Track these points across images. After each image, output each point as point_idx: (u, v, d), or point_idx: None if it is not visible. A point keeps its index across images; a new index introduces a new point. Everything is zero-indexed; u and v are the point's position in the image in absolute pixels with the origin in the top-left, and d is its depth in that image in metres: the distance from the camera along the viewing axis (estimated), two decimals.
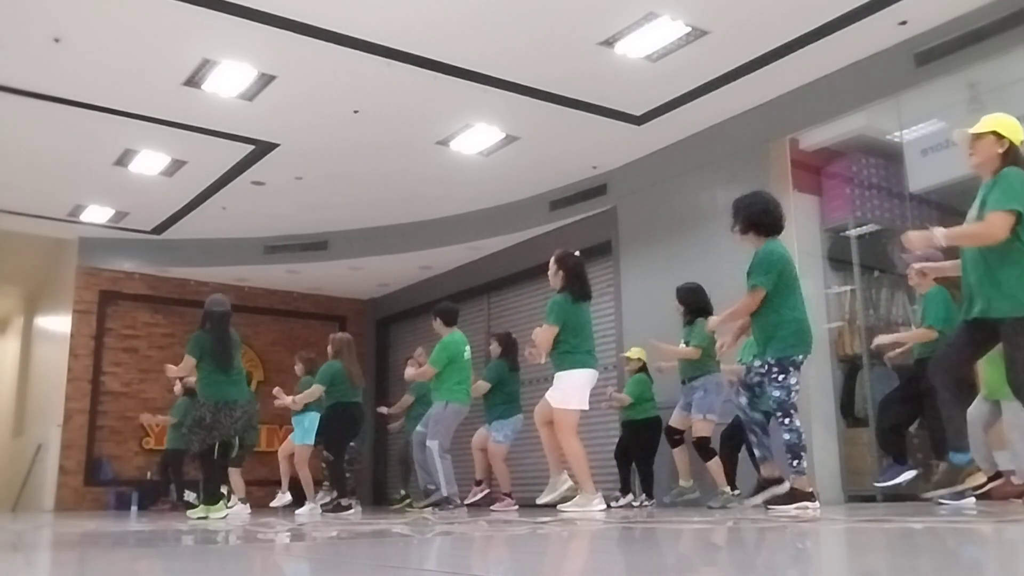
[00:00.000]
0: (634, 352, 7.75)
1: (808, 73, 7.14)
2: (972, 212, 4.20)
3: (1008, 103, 6.33)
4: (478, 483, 8.09)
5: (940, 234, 4.04)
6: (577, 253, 6.19)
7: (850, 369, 7.34)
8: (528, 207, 9.96)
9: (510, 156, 8.74)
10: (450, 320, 7.56)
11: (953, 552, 2.31)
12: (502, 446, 7.66)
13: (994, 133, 4.10)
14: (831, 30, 6.48)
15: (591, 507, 5.75)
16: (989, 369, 5.48)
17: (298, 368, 8.96)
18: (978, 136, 4.14)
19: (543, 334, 5.87)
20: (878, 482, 5.38)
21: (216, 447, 6.77)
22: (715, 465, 6.55)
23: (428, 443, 7.16)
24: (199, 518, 6.64)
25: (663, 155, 8.56)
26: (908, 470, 5.24)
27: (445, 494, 7.10)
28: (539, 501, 6.10)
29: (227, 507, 7.14)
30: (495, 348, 8.13)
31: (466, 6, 6.21)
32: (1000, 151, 4.07)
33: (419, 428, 7.61)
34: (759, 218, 5.16)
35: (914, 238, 4.18)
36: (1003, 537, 2.80)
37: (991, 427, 5.72)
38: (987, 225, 4.00)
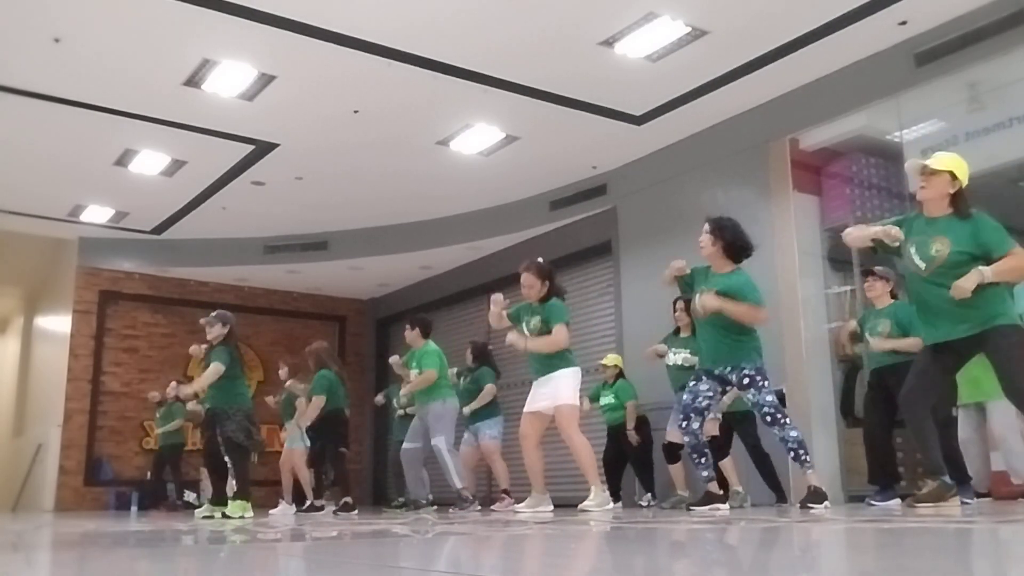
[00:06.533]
0: (611, 359, 7.81)
1: (808, 73, 7.14)
2: (945, 248, 4.16)
3: (1008, 103, 6.36)
4: (471, 496, 8.01)
5: (989, 272, 4.05)
6: (540, 260, 6.13)
7: (850, 369, 7.34)
8: (528, 207, 9.96)
9: (510, 156, 8.74)
10: (428, 332, 7.64)
11: (952, 552, 2.32)
12: (497, 442, 7.77)
13: (950, 173, 4.21)
14: (831, 30, 6.48)
15: (542, 508, 5.79)
16: (975, 372, 5.51)
17: (282, 372, 8.91)
18: (934, 172, 4.23)
19: (562, 333, 5.79)
20: (872, 502, 5.42)
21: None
22: (677, 469, 6.91)
23: (434, 441, 7.13)
24: (205, 517, 6.86)
25: (663, 155, 8.56)
26: (894, 497, 5.38)
27: (459, 486, 7.12)
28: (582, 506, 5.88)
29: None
30: (470, 355, 8.22)
31: (466, 6, 6.21)
32: (951, 191, 4.21)
33: (409, 445, 7.42)
34: (743, 242, 5.27)
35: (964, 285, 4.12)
36: (1000, 537, 2.80)
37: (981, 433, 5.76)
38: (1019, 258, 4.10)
